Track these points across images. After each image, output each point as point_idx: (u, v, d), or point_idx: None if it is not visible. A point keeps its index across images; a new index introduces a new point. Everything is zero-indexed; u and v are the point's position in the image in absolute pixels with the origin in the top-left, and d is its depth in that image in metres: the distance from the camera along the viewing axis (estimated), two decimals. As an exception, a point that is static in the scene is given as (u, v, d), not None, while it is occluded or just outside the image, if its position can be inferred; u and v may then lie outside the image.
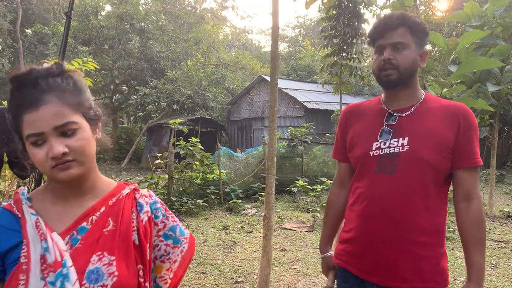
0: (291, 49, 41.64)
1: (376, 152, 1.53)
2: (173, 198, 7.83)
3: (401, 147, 1.48)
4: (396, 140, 1.50)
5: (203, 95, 19.15)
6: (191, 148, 8.39)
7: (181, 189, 8.56)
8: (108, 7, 21.04)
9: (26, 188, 1.06)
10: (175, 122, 8.33)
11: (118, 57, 18.56)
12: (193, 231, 6.51)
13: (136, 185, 1.11)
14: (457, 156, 1.47)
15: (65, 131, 0.94)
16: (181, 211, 7.59)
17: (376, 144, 1.54)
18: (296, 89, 20.09)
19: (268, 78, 18.21)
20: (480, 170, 1.53)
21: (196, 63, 20.04)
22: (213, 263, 4.96)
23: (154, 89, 18.74)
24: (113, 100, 20.32)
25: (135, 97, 19.11)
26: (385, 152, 1.51)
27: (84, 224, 0.98)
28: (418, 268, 1.46)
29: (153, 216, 1.05)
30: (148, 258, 1.01)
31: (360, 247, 1.56)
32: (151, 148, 19.11)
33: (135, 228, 1.00)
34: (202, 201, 7.90)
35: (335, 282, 1.74)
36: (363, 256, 1.55)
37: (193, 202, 7.78)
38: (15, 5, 21.40)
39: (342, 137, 1.73)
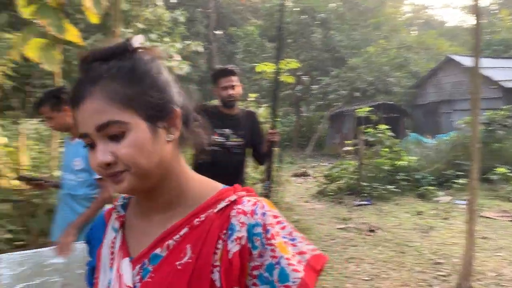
0: (484, 21, 37.09)
1: None
2: (364, 183, 8.28)
3: None
4: None
5: (384, 80, 18.95)
6: (380, 135, 8.68)
7: (369, 175, 8.93)
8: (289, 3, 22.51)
9: None
10: (364, 110, 8.72)
11: (301, 50, 19.79)
12: (385, 215, 6.87)
13: (244, 193, 0.79)
14: None
15: (111, 133, 0.70)
16: (373, 195, 8.01)
17: None
18: (491, 67, 18.07)
19: (457, 58, 17.06)
20: None
21: (377, 49, 19.89)
22: (411, 245, 5.25)
23: (336, 78, 19.38)
24: (296, 91, 21.76)
25: (317, 86, 20.08)
26: None
27: (158, 250, 0.75)
28: None
29: (249, 245, 0.71)
30: None
31: None
32: (332, 135, 19.90)
33: (218, 264, 0.71)
34: (393, 187, 8.15)
35: None
36: None
37: (383, 187, 8.09)
38: (209, 10, 24.99)
39: None
